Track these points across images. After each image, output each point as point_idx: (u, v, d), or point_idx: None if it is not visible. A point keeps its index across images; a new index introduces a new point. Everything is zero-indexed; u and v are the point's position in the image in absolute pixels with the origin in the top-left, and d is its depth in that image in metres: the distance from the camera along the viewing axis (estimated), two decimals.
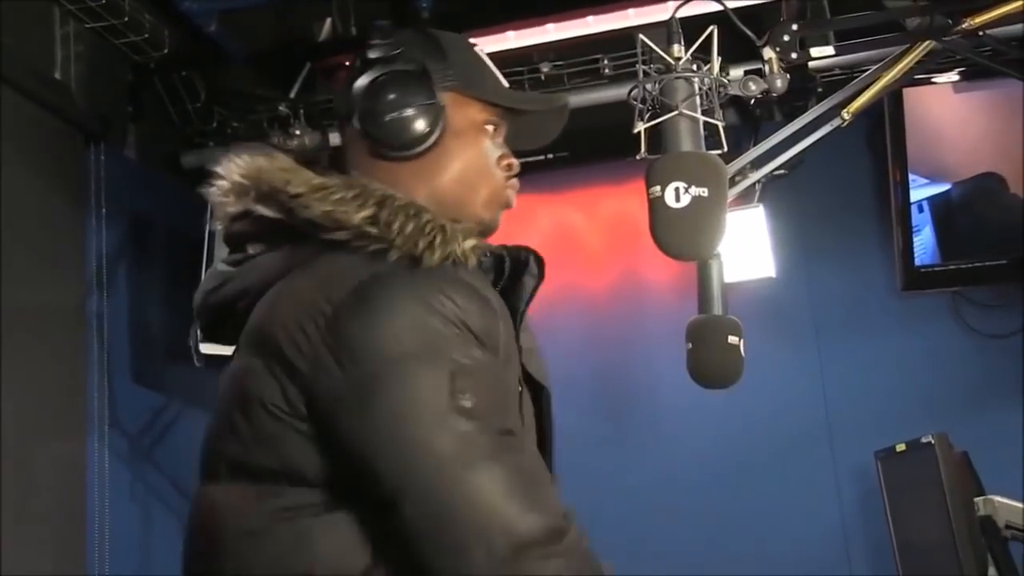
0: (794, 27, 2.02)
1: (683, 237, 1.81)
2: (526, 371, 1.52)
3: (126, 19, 3.46)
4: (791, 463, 3.75)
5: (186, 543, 1.50)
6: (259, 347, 1.42)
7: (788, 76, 2.05)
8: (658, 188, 1.77)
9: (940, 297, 3.73)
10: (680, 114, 1.79)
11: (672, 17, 1.85)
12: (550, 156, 3.96)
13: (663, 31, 3.66)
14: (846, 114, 2.59)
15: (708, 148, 1.88)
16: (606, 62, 3.75)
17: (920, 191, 3.57)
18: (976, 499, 2.89)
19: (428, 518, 1.29)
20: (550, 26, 3.51)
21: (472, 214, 1.58)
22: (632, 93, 1.87)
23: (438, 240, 1.41)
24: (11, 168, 3.14)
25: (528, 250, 1.55)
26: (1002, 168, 3.53)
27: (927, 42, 2.35)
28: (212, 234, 3.53)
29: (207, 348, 3.49)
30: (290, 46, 3.93)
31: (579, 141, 4.14)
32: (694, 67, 1.81)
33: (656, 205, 1.78)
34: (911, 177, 3.56)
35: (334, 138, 3.82)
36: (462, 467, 1.29)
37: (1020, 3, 2.05)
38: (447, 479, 1.29)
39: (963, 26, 2.09)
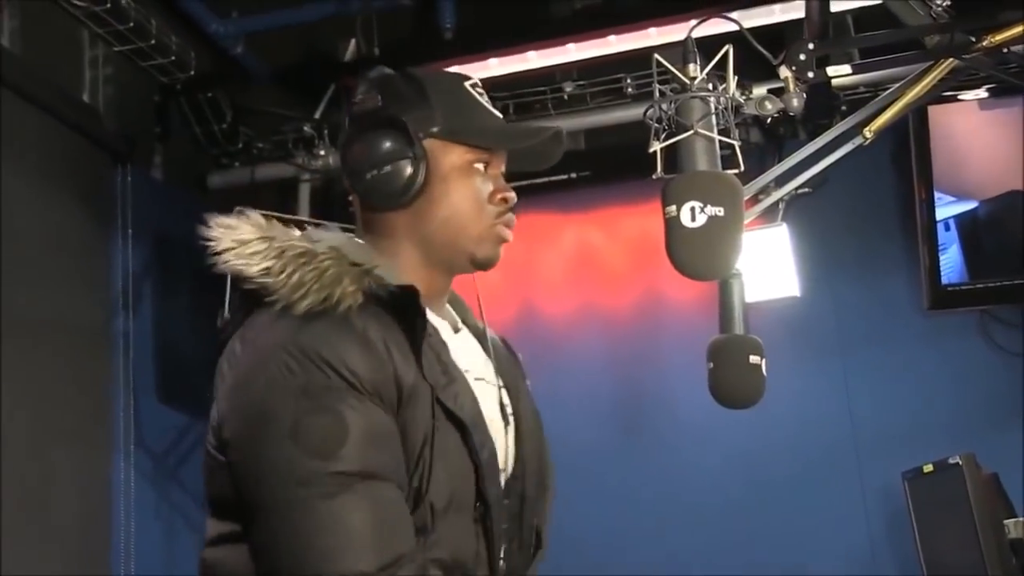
0: (810, 46, 2.01)
1: (699, 256, 1.80)
2: (443, 405, 1.52)
3: (153, 42, 3.50)
4: (816, 483, 3.72)
5: None
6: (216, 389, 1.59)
7: (805, 95, 2.04)
8: (674, 208, 1.76)
9: (967, 315, 3.69)
10: (696, 133, 1.78)
11: (688, 37, 1.85)
12: (573, 176, 3.97)
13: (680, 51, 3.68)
14: (868, 132, 2.58)
15: (725, 167, 1.87)
16: (628, 81, 3.75)
17: (946, 209, 3.54)
18: (1007, 521, 2.86)
19: (266, 545, 1.43)
20: (571, 46, 3.51)
21: (466, 253, 1.62)
22: (648, 113, 1.86)
23: (313, 287, 1.47)
24: (39, 188, 3.18)
25: (411, 292, 1.54)
26: None
27: (949, 60, 2.34)
28: None
29: None
30: (315, 66, 3.97)
31: (601, 160, 4.17)
32: (710, 86, 1.80)
33: (672, 225, 1.78)
34: (937, 195, 3.54)
35: None
36: (300, 499, 1.39)
37: None
38: (281, 516, 1.40)
39: (984, 44, 2.07)
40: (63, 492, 3.18)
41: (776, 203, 2.97)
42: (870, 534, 3.67)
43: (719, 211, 1.75)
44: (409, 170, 1.57)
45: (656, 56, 1.80)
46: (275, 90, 4.02)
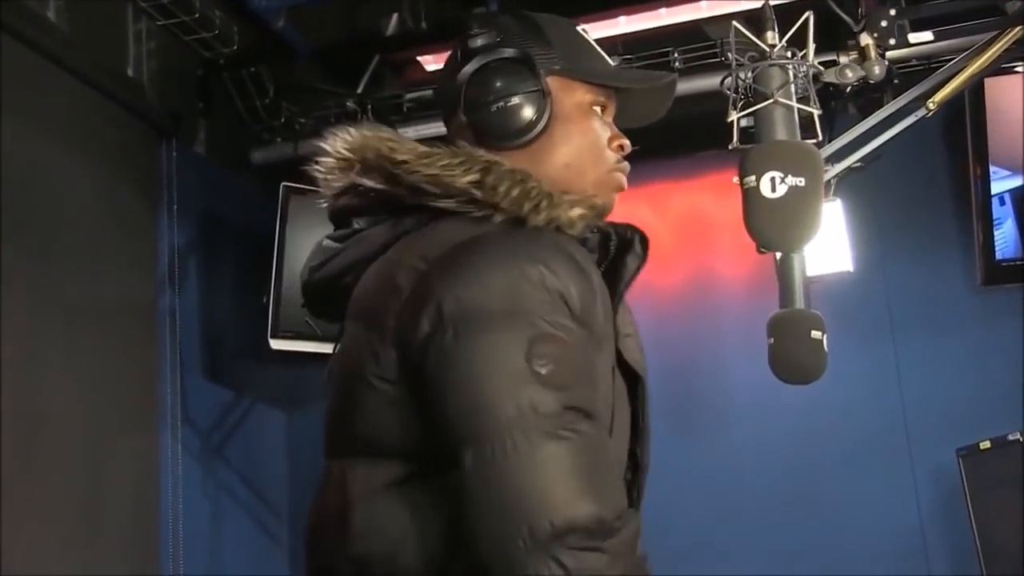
0: (892, 12, 1.97)
1: (778, 228, 1.77)
2: (621, 357, 1.47)
3: (197, 16, 3.47)
4: (867, 461, 3.68)
5: (309, 518, 1.50)
6: (361, 319, 1.42)
7: (887, 63, 2.00)
8: (753, 178, 1.73)
9: (1017, 293, 3.64)
10: (775, 102, 1.74)
11: (766, 3, 1.81)
12: None
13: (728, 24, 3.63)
14: (931, 104, 2.54)
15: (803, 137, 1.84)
16: (676, 55, 3.70)
17: (1001, 183, 3.49)
18: None
19: (481, 483, 1.25)
20: (622, 18, 3.47)
21: (593, 187, 1.54)
22: (725, 82, 1.82)
23: (544, 204, 1.40)
24: (85, 164, 3.16)
25: (635, 229, 1.52)
26: None
27: (1018, 28, 2.30)
28: (284, 230, 3.52)
29: (277, 344, 3.48)
30: (358, 42, 3.92)
31: (650, 136, 4.09)
32: (788, 54, 1.76)
33: (751, 195, 1.74)
34: (992, 169, 3.48)
35: (404, 132, 3.81)
36: (522, 436, 1.24)
37: None
38: (506, 446, 1.24)
39: None
40: (113, 469, 3.18)
41: (830, 179, 2.94)
42: (920, 512, 3.63)
43: (800, 181, 1.72)
44: (536, 105, 1.51)
45: (734, 24, 1.76)
46: (317, 65, 3.98)
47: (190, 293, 3.60)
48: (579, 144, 1.55)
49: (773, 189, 1.71)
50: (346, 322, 1.48)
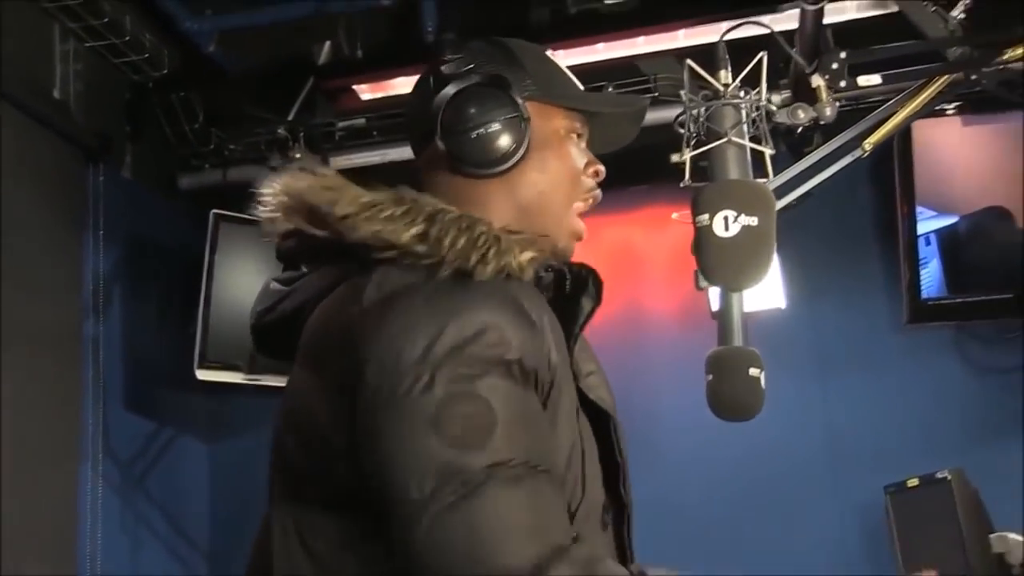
0: (843, 55, 2.00)
1: (731, 267, 1.76)
2: (585, 396, 1.45)
3: (127, 38, 3.41)
4: (794, 496, 3.71)
5: (249, 563, 1.48)
6: (304, 364, 1.40)
7: (837, 104, 2.02)
8: (706, 216, 1.72)
9: (943, 332, 3.71)
10: (729, 141, 1.75)
11: (720, 42, 1.82)
12: None
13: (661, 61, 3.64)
14: (867, 145, 2.58)
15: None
16: (611, 90, 3.70)
17: (927, 223, 3.55)
18: (991, 536, 2.87)
19: (408, 546, 1.23)
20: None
21: (561, 226, 1.54)
22: (678, 119, 1.83)
23: (491, 252, 1.35)
24: (10, 186, 3.08)
25: (589, 269, 1.50)
26: (1009, 201, 3.52)
27: (948, 75, 2.35)
28: (213, 258, 3.46)
29: (204, 375, 3.42)
30: (290, 68, 3.89)
31: None
32: (741, 93, 1.77)
33: (704, 234, 1.74)
34: (918, 209, 3.55)
35: (335, 162, 3.78)
36: (436, 501, 1.22)
37: None
38: (428, 506, 1.22)
39: (1004, 57, 2.07)
40: (31, 500, 3.07)
41: None
42: (846, 548, 3.66)
43: (753, 221, 1.71)
44: (516, 132, 1.49)
45: (688, 62, 1.76)
46: (249, 91, 3.93)
47: (114, 320, 3.52)
48: (556, 171, 1.53)
49: (726, 228, 1.71)
50: (296, 364, 1.45)
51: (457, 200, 1.45)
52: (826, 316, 3.79)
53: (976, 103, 3.43)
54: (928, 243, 3.55)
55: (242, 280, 3.52)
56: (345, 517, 1.34)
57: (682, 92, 1.82)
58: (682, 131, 1.82)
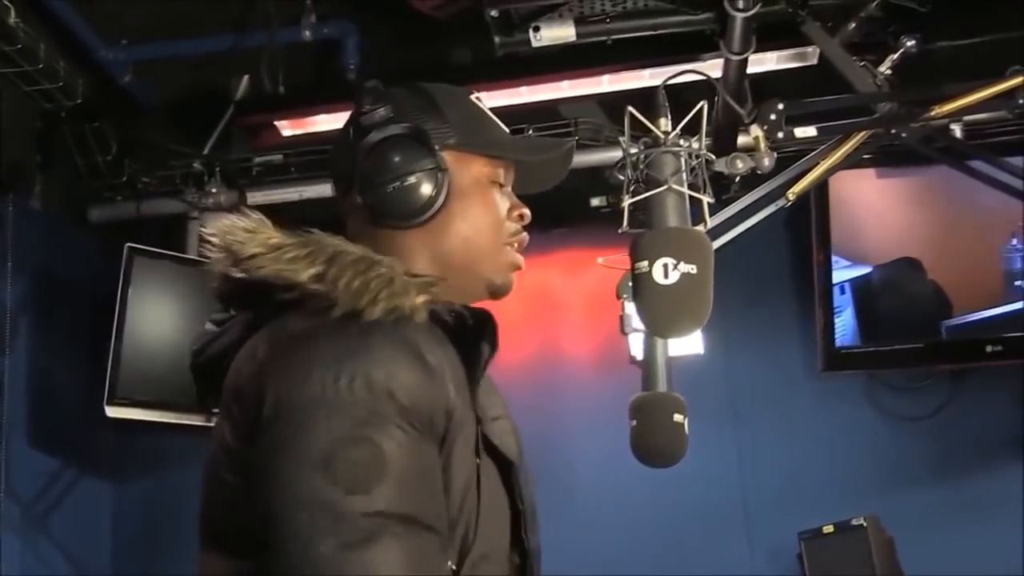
0: (780, 106, 2.02)
1: (670, 314, 1.76)
2: (489, 442, 1.43)
3: (40, 66, 3.32)
4: (709, 542, 3.72)
5: None
6: (221, 408, 1.40)
7: (775, 155, 2.04)
8: (645, 263, 1.72)
9: (855, 380, 3.76)
10: (668, 189, 1.75)
11: (660, 89, 1.82)
12: None
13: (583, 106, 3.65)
14: (791, 195, 2.62)
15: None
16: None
17: (842, 273, 3.61)
18: None
19: None
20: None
21: (484, 275, 1.53)
22: (618, 165, 1.83)
23: (383, 294, 1.35)
24: None
25: (487, 314, 1.47)
26: (921, 253, 3.59)
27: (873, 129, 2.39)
28: (127, 293, 3.37)
29: (114, 412, 3.32)
30: (207, 101, 3.83)
31: None
32: (681, 141, 1.78)
33: (643, 280, 1.73)
34: (834, 259, 3.61)
35: (252, 197, 3.72)
36: (316, 547, 1.21)
37: (986, 92, 2.09)
38: (304, 558, 1.21)
39: (931, 114, 2.11)
40: None
41: None
42: None
43: (692, 269, 1.72)
44: (433, 183, 1.48)
45: (629, 109, 1.76)
46: (164, 123, 3.86)
47: (20, 354, 3.42)
48: (478, 218, 1.52)
49: (666, 275, 1.70)
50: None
51: (381, 249, 1.45)
52: (741, 362, 3.82)
53: (889, 156, 3.50)
54: (843, 292, 3.61)
55: (156, 316, 3.44)
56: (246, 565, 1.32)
57: (621, 139, 1.81)
58: (621, 178, 1.82)
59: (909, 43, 2.27)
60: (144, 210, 3.79)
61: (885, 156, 3.51)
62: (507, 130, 1.62)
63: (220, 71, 3.73)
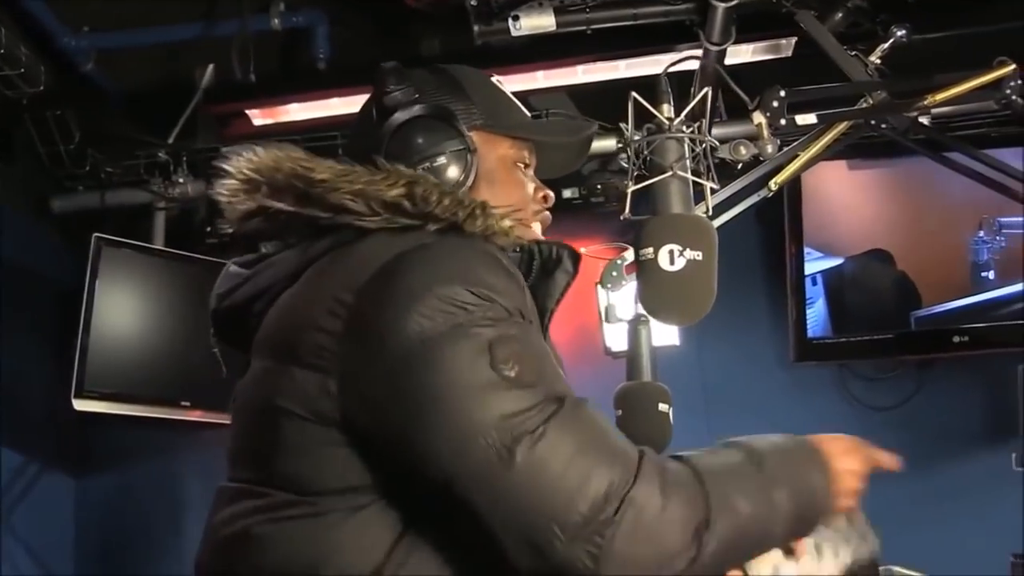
0: (782, 93, 2.01)
1: (677, 301, 1.75)
2: None
3: (1, 52, 3.24)
4: None
5: (204, 540, 1.41)
6: (277, 352, 1.35)
7: (778, 142, 2.04)
8: (650, 250, 1.70)
9: (826, 370, 3.78)
10: (674, 175, 1.74)
11: (663, 76, 1.81)
12: None
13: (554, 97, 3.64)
14: (773, 184, 2.62)
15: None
16: None
17: (814, 264, 3.63)
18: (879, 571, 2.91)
19: (490, 503, 1.21)
20: None
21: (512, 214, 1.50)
22: (620, 152, 1.81)
23: (478, 211, 1.36)
24: None
25: (561, 245, 1.49)
26: (891, 244, 3.62)
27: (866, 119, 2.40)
28: (94, 284, 3.30)
29: (82, 405, 3.25)
30: (172, 91, 3.76)
31: None
32: (684, 128, 1.76)
33: (648, 267, 1.72)
34: (806, 250, 3.62)
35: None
36: (515, 444, 1.20)
37: (975, 82, 2.10)
38: (504, 460, 1.20)
39: (924, 103, 2.12)
40: None
41: None
42: None
43: (698, 255, 1.71)
44: (462, 163, 1.46)
45: (633, 94, 1.75)
46: (128, 113, 3.79)
47: None
48: (504, 199, 1.50)
49: (672, 262, 1.69)
50: (254, 353, 1.40)
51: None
52: (713, 353, 3.82)
53: (860, 148, 3.52)
54: (815, 283, 3.62)
55: (124, 307, 3.39)
56: (323, 500, 1.28)
57: (622, 124, 1.80)
58: (624, 164, 1.80)
59: (899, 33, 2.27)
60: (108, 200, 3.73)
61: (857, 148, 3.54)
62: (528, 113, 1.60)
63: (185, 60, 3.67)
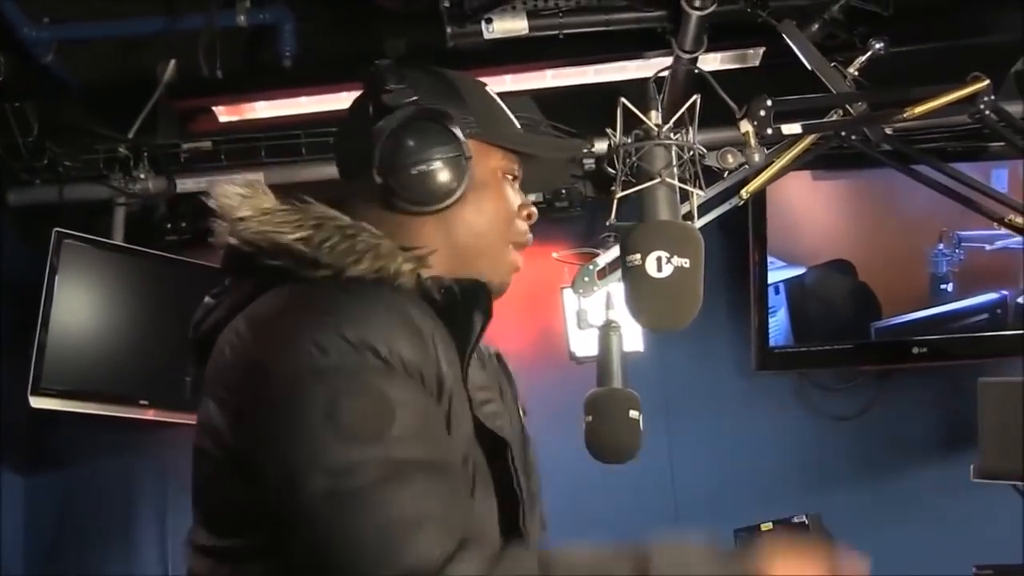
0: (769, 102, 2.02)
1: (664, 307, 1.76)
2: (481, 425, 1.41)
3: None
4: (634, 537, 3.72)
5: None
6: (207, 386, 1.38)
7: (765, 150, 2.04)
8: (638, 257, 1.71)
9: (786, 379, 3.81)
10: (661, 182, 1.74)
11: (651, 81, 1.81)
12: None
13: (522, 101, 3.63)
14: (744, 193, 2.63)
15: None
16: None
17: (777, 273, 3.65)
18: None
19: (305, 548, 1.23)
20: None
21: (498, 263, 1.51)
22: (608, 157, 1.81)
23: (368, 255, 1.35)
24: None
25: (480, 284, 1.46)
26: (852, 255, 3.65)
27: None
28: (54, 280, 3.24)
29: (39, 402, 3.19)
30: (134, 85, 3.70)
31: None
32: (672, 135, 1.76)
33: (635, 273, 1.72)
34: (769, 259, 3.64)
35: (182, 184, 3.62)
36: (333, 494, 1.21)
37: (952, 96, 2.13)
38: (324, 505, 1.21)
39: (903, 115, 2.14)
40: None
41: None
42: None
43: (685, 263, 1.71)
44: (456, 170, 1.44)
45: (622, 100, 1.75)
46: (88, 106, 3.72)
47: None
48: (491, 212, 1.50)
49: (659, 269, 1.69)
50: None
51: (392, 232, 1.42)
52: (675, 360, 3.83)
53: (825, 159, 3.54)
54: (777, 292, 3.64)
55: (83, 303, 3.32)
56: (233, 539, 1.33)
57: (608, 131, 1.80)
58: (612, 170, 1.80)
59: (878, 46, 2.29)
60: (67, 195, 3.66)
61: (823, 159, 3.57)
62: (517, 123, 1.59)
63: (148, 54, 3.60)
